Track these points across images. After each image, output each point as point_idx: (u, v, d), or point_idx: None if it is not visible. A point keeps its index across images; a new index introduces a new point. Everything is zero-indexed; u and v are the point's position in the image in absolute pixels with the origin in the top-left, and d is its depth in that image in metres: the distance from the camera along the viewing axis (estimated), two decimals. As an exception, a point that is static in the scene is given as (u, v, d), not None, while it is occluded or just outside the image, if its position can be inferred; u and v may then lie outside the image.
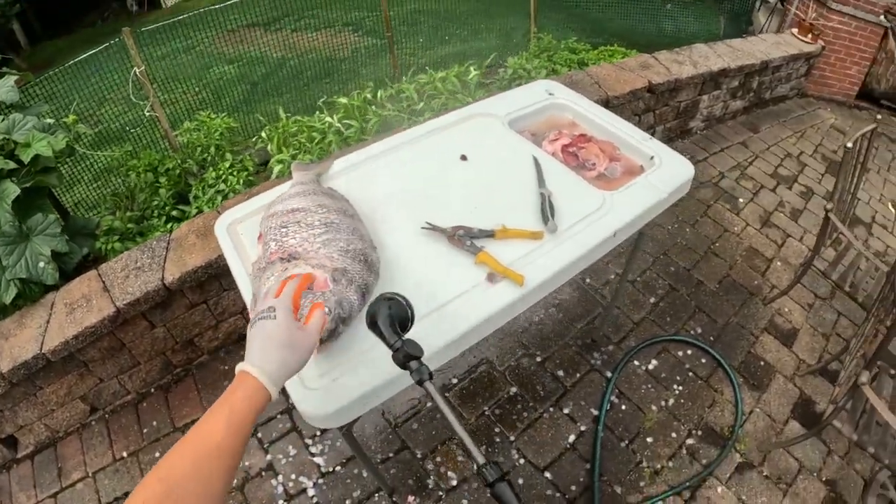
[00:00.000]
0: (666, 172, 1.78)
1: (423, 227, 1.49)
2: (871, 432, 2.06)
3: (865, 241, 3.77)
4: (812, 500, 2.30)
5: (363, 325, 1.22)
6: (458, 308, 1.31)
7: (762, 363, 2.79)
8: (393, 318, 0.99)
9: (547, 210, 1.53)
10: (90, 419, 2.50)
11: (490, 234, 1.47)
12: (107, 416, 2.51)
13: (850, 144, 2.53)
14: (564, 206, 1.60)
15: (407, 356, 0.93)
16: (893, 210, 4.24)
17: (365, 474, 2.25)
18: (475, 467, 0.92)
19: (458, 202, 1.62)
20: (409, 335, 0.97)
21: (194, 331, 2.56)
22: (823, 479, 2.37)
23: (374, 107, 3.67)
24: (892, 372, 2.31)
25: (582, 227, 1.54)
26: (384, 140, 1.88)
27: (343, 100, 3.71)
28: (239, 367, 0.81)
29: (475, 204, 1.61)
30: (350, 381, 1.17)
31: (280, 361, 0.81)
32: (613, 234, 1.54)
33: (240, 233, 1.57)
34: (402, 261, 1.42)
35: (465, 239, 1.43)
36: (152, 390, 2.58)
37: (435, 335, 1.25)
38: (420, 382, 0.92)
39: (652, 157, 1.85)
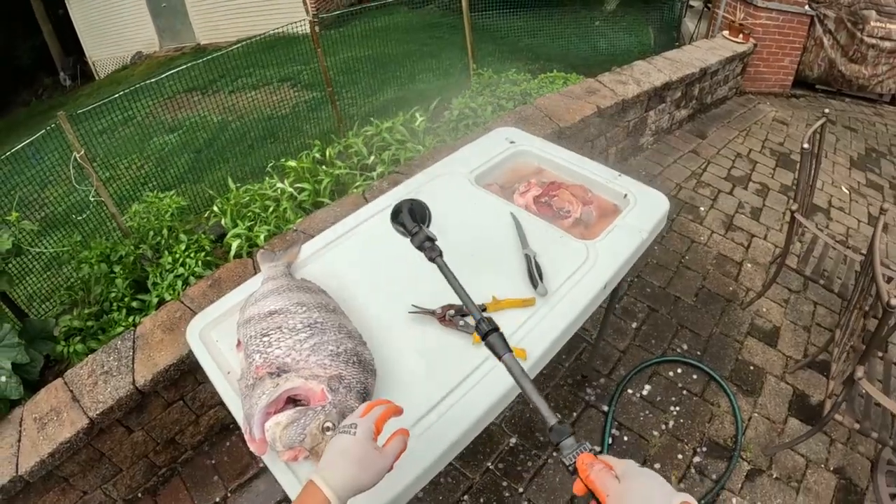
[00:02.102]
0: (642, 210, 1.77)
1: (410, 312, 1.42)
2: (872, 418, 2.10)
3: (826, 226, 3.87)
4: (824, 491, 2.33)
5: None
6: (465, 395, 1.25)
7: (752, 368, 2.82)
8: (413, 212, 1.32)
9: (535, 273, 1.49)
10: (76, 536, 2.34)
11: (483, 309, 1.41)
12: (93, 530, 2.36)
13: (806, 145, 2.59)
14: (549, 263, 1.56)
15: (425, 238, 1.24)
16: (847, 192, 4.35)
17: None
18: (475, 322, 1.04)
19: (440, 277, 1.56)
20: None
21: (174, 429, 2.43)
22: (831, 468, 2.41)
23: (324, 166, 3.61)
24: (879, 354, 2.37)
25: (571, 285, 1.50)
26: (348, 218, 1.81)
27: (292, 163, 3.63)
28: (309, 475, 0.84)
29: (459, 275, 1.55)
30: (364, 499, 1.09)
31: (349, 477, 0.84)
32: (604, 286, 1.50)
33: (214, 339, 1.48)
34: (394, 353, 1.35)
35: (456, 318, 1.37)
36: (139, 495, 2.43)
37: (444, 429, 1.19)
38: (432, 259, 1.21)
39: (625, 196, 1.84)
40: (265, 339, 1.24)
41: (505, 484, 2.34)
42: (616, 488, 0.77)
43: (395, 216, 1.32)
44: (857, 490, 2.34)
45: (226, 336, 1.46)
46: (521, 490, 2.32)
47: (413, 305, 1.43)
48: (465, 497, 2.30)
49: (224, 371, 1.37)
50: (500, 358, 0.97)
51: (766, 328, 3.03)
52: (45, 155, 4.35)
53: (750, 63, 5.65)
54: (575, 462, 0.82)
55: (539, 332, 1.38)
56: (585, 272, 1.53)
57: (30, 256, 3.68)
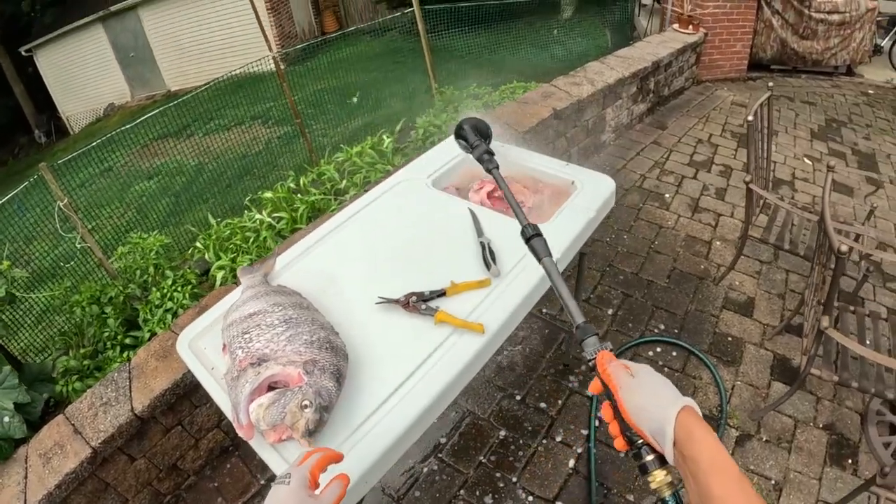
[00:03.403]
0: (589, 192, 1.89)
1: (376, 302, 1.54)
2: (850, 368, 2.18)
3: (792, 198, 3.99)
4: (816, 448, 2.39)
5: (348, 409, 1.27)
6: (429, 370, 1.36)
7: (730, 339, 2.91)
8: (477, 128, 1.48)
9: (488, 257, 1.61)
10: (88, 570, 2.40)
11: (442, 293, 1.53)
12: (104, 563, 2.42)
13: (750, 118, 2.71)
14: (504, 249, 1.69)
15: (484, 151, 1.42)
16: (810, 163, 4.51)
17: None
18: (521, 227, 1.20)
19: (402, 269, 1.68)
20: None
21: (175, 454, 2.50)
22: (820, 425, 2.48)
23: (299, 195, 3.73)
24: (852, 309, 2.46)
25: (524, 265, 1.62)
26: (318, 228, 1.93)
27: (268, 194, 3.75)
28: None
29: (420, 267, 1.67)
30: (349, 465, 1.18)
31: None
32: (555, 262, 1.62)
33: (202, 348, 1.58)
34: (364, 339, 1.46)
35: (419, 304, 1.49)
36: (145, 525, 2.50)
37: (415, 399, 1.30)
38: (489, 170, 1.40)
39: (573, 182, 1.96)
40: (246, 336, 1.35)
41: (498, 475, 2.41)
42: (629, 382, 0.84)
43: (459, 131, 1.48)
44: (850, 444, 2.40)
45: (212, 343, 1.56)
46: (514, 479, 2.39)
47: (379, 297, 1.54)
48: (461, 492, 2.37)
49: (211, 373, 1.48)
50: (539, 259, 1.11)
51: (740, 300, 3.14)
52: (28, 210, 4.44)
53: (703, 52, 5.83)
54: (595, 358, 0.89)
55: (495, 309, 1.50)
56: (537, 252, 1.65)
57: (22, 310, 3.76)
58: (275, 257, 1.81)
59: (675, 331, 2.97)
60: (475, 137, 1.45)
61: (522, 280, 1.57)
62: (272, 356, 1.29)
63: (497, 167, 1.38)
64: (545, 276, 1.58)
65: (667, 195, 4.04)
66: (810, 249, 2.79)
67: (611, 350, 0.90)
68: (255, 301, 1.48)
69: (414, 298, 1.51)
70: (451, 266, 1.65)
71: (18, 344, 3.63)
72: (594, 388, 0.89)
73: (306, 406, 1.18)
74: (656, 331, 2.98)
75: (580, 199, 1.86)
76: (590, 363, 0.90)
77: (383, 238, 1.85)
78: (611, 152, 4.64)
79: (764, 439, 2.45)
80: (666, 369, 2.78)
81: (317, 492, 0.85)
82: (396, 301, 1.52)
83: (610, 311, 3.11)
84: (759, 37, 6.05)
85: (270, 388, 1.27)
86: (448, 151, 2.25)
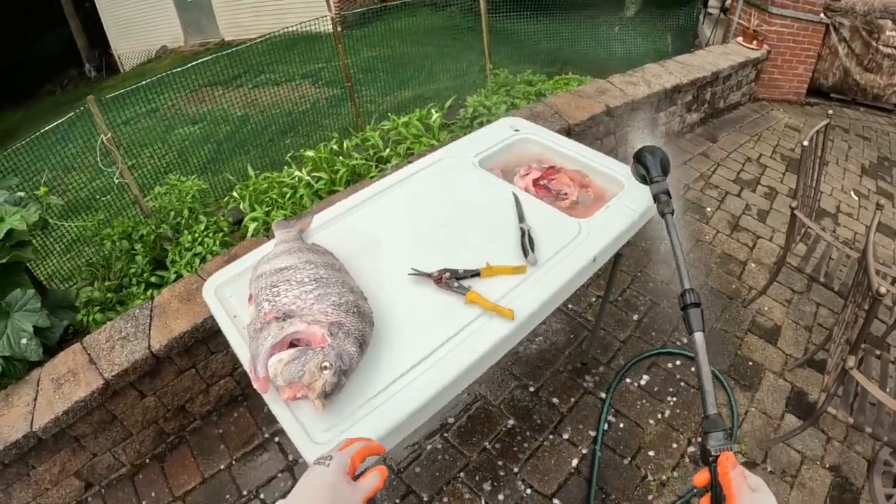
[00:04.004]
0: (636, 194, 1.84)
1: (409, 274, 1.52)
2: (866, 413, 2.12)
3: (833, 230, 3.89)
4: (819, 488, 2.34)
5: (366, 377, 1.25)
6: (454, 349, 1.34)
7: (750, 363, 2.85)
8: (662, 162, 1.32)
9: (527, 244, 1.58)
10: (86, 495, 2.43)
11: (476, 274, 1.50)
12: (103, 490, 2.45)
13: (806, 143, 2.64)
14: (543, 238, 1.65)
15: (662, 190, 1.24)
16: (856, 198, 4.38)
17: (374, 523, 2.24)
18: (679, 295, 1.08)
19: (439, 245, 1.66)
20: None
21: (185, 396, 2.53)
22: (827, 465, 2.42)
23: (341, 157, 3.72)
24: (878, 353, 2.38)
25: (562, 257, 1.59)
26: (360, 192, 1.91)
27: (310, 153, 3.75)
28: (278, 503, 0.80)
29: (457, 245, 1.65)
30: (358, 433, 1.18)
31: None
32: (593, 259, 1.59)
33: (228, 295, 1.58)
34: (393, 309, 1.45)
35: (452, 281, 1.47)
36: (147, 461, 2.53)
37: (435, 377, 1.28)
38: (663, 214, 1.21)
39: (621, 181, 1.92)
40: (274, 289, 1.34)
41: (501, 463, 2.41)
42: (748, 496, 0.79)
43: (639, 157, 1.34)
44: (853, 489, 2.35)
45: (238, 292, 1.56)
46: (515, 470, 2.38)
47: (412, 268, 1.53)
48: (461, 474, 2.37)
49: (234, 321, 1.47)
50: (691, 333, 1.01)
51: (767, 326, 3.07)
52: (70, 141, 4.49)
53: (764, 69, 5.68)
54: (719, 455, 0.83)
55: (527, 297, 1.47)
56: (576, 246, 1.62)
57: (52, 238, 3.82)
58: (312, 215, 1.80)
59: (698, 347, 2.92)
60: (657, 171, 1.28)
61: (558, 272, 1.54)
62: (298, 313, 1.28)
63: (672, 213, 1.21)
64: (582, 270, 1.57)
65: (708, 209, 3.96)
66: (845, 286, 2.72)
67: (736, 452, 0.85)
68: (287, 256, 1.47)
69: (447, 275, 1.48)
70: (488, 248, 1.63)
71: (45, 270, 3.69)
72: (701, 480, 0.85)
73: (326, 367, 1.16)
74: (678, 343, 2.94)
75: (626, 200, 1.82)
76: (710, 458, 0.85)
77: (423, 211, 1.82)
78: (657, 157, 4.53)
79: (769, 470, 2.40)
80: (682, 383, 2.74)
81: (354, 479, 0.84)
82: (429, 275, 1.50)
83: (635, 317, 3.08)
84: (822, 62, 5.89)
85: (292, 344, 1.26)
86: (498, 133, 2.22)
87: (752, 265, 3.50)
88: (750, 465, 2.41)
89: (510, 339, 1.40)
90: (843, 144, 5.25)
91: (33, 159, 4.02)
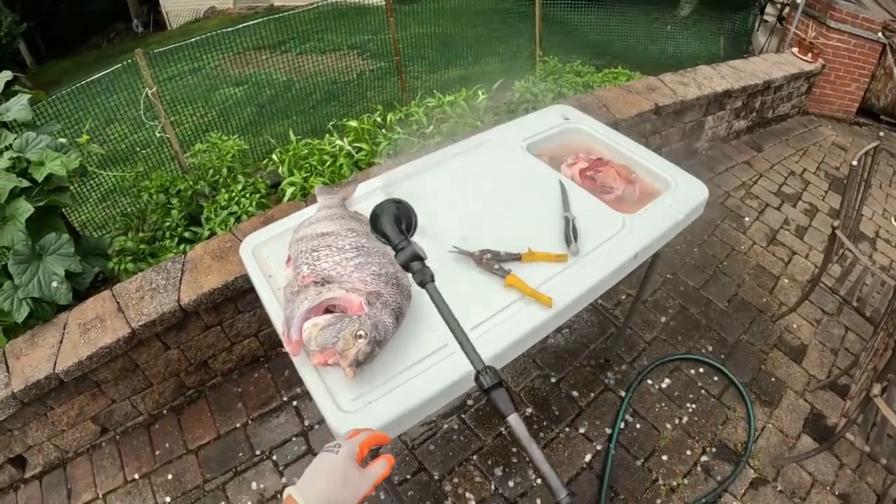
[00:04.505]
0: (681, 195, 1.81)
1: (450, 251, 1.51)
2: (883, 444, 2.07)
3: (870, 256, 3.80)
4: None
5: (399, 350, 1.25)
6: (489, 331, 1.33)
7: (773, 379, 2.81)
8: (399, 219, 1.02)
9: (570, 233, 1.56)
10: (101, 440, 2.49)
11: (517, 258, 1.49)
12: (118, 437, 2.51)
13: (854, 163, 2.57)
14: (586, 229, 1.64)
15: (412, 256, 0.96)
16: None
17: (382, 496, 2.25)
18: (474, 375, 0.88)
19: (483, 225, 1.65)
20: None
21: (208, 353, 2.57)
22: (836, 492, 2.38)
23: (383, 130, 3.71)
24: None
25: (604, 250, 1.57)
26: (405, 165, 1.91)
27: (353, 123, 3.74)
28: (287, 490, 0.82)
29: (500, 227, 1.63)
30: (384, 405, 1.19)
31: (327, 493, 0.81)
32: (634, 255, 1.57)
33: (265, 256, 1.59)
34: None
35: (492, 262, 1.46)
36: (164, 412, 2.58)
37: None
38: (422, 284, 0.95)
39: (667, 180, 1.88)
40: (314, 253, 1.34)
41: (514, 450, 2.41)
42: None
43: (375, 222, 1.03)
44: None
45: (275, 253, 1.57)
46: (528, 458, 2.38)
47: (454, 246, 1.51)
48: (475, 457, 2.38)
49: (266, 275, 1.48)
50: (504, 417, 0.85)
51: (793, 344, 3.02)
52: (114, 92, 4.53)
53: (816, 84, 5.54)
54: None
55: (567, 286, 1.45)
56: (619, 240, 1.60)
57: (89, 186, 3.87)
58: (356, 184, 1.80)
59: (722, 356, 2.89)
60: (399, 234, 1.01)
61: (599, 265, 1.52)
62: (337, 279, 1.28)
63: (433, 279, 0.97)
64: (624, 265, 1.55)
65: (746, 219, 3.89)
66: (877, 312, 2.65)
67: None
68: (329, 222, 1.47)
69: (488, 256, 1.47)
70: (531, 233, 1.62)
71: (80, 217, 3.75)
72: None
73: (361, 336, 1.16)
74: (703, 351, 2.91)
75: (670, 200, 1.79)
76: None
77: (468, 189, 1.82)
78: (701, 161, 4.48)
79: (778, 489, 2.37)
80: (703, 391, 2.71)
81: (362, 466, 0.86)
82: (470, 254, 1.49)
83: (663, 319, 3.05)
84: (875, 82, 5.71)
85: (328, 310, 1.26)
86: (548, 119, 2.20)
87: (786, 281, 3.43)
88: (761, 482, 2.38)
89: (545, 327, 1.39)
90: (889, 169, 5.10)
91: (76, 108, 4.07)
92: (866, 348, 2.39)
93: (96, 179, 3.92)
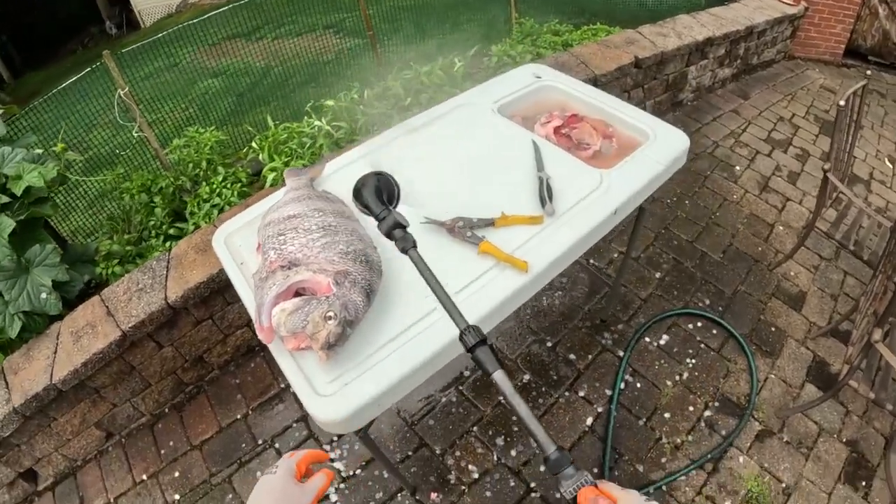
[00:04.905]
0: (661, 145, 1.77)
1: (422, 222, 1.47)
2: (888, 389, 2.05)
3: (865, 198, 3.75)
4: (834, 461, 2.30)
5: (374, 327, 1.22)
6: (464, 301, 1.30)
7: (773, 329, 2.79)
8: (380, 190, 1.07)
9: (544, 194, 1.52)
10: (107, 445, 2.49)
11: (490, 223, 1.45)
12: (123, 440, 2.51)
13: (842, 103, 2.52)
14: (563, 188, 1.59)
15: (394, 224, 1.01)
16: (891, 165, 4.22)
17: (386, 475, 2.25)
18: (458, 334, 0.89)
19: (454, 193, 1.61)
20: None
21: (202, 347, 2.55)
22: (844, 440, 2.37)
23: (362, 107, 3.65)
24: None
25: (582, 208, 1.53)
26: (374, 138, 1.86)
27: (330, 102, 3.69)
28: None
29: (472, 193, 1.59)
30: (360, 386, 1.16)
31: None
32: (614, 211, 1.53)
33: (238, 244, 1.56)
34: (403, 258, 1.40)
35: (465, 230, 1.42)
36: (166, 410, 2.58)
37: (443, 330, 1.25)
38: (404, 250, 0.99)
39: (646, 132, 1.84)
40: (281, 237, 1.31)
41: (514, 419, 2.39)
42: None
43: (358, 194, 1.10)
44: (868, 466, 2.29)
45: (248, 241, 1.54)
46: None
47: (425, 216, 1.48)
48: (475, 428, 2.37)
49: (242, 270, 1.45)
50: (489, 375, 0.86)
51: (792, 292, 2.99)
52: (91, 98, 4.46)
53: (800, 27, 5.44)
54: (576, 496, 0.78)
55: (543, 249, 1.42)
56: (597, 197, 1.56)
57: (76, 194, 3.83)
58: (324, 163, 1.76)
59: (720, 309, 2.86)
60: (380, 204, 1.06)
61: (577, 225, 1.48)
62: (304, 261, 1.25)
63: (415, 246, 1.02)
64: (602, 223, 1.51)
65: (737, 167, 3.84)
66: (875, 255, 2.61)
67: (592, 483, 0.78)
68: (296, 204, 1.43)
69: (461, 224, 1.44)
70: (505, 197, 1.58)
71: (69, 226, 3.72)
72: None
73: (330, 318, 1.13)
74: (701, 304, 2.88)
75: (650, 151, 1.74)
76: (570, 502, 0.78)
77: (439, 158, 1.77)
78: (687, 112, 4.41)
79: (785, 440, 2.36)
80: (702, 345, 2.69)
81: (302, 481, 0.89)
82: (442, 223, 1.45)
83: (657, 275, 3.01)
84: (860, 23, 5.59)
85: (297, 293, 1.23)
86: (520, 79, 2.15)
87: (780, 228, 3.39)
88: (767, 433, 2.37)
89: (524, 293, 1.36)
90: (880, 110, 5.02)
91: (53, 118, 4.01)
92: (865, 292, 2.36)
93: (81, 188, 3.88)
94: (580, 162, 1.70)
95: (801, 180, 3.81)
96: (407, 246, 0.97)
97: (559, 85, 2.11)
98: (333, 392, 1.15)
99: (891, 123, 4.83)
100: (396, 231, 0.99)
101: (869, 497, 2.21)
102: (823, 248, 3.24)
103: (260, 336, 1.20)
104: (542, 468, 2.24)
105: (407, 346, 1.22)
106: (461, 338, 0.88)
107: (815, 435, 2.38)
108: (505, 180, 1.65)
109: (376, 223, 1.02)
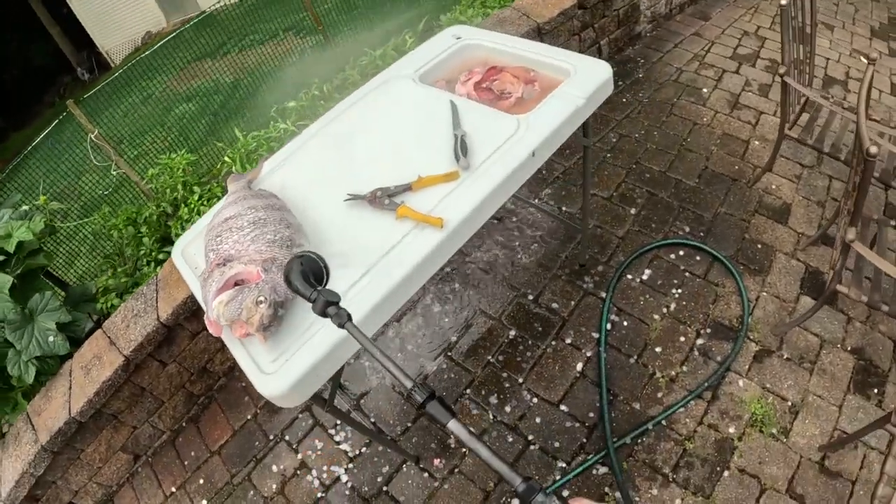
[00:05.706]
0: (581, 80, 1.79)
1: (345, 200, 1.54)
2: (882, 290, 2.01)
3: (844, 98, 3.68)
4: (841, 372, 2.26)
5: (302, 306, 1.29)
6: (388, 263, 1.37)
7: (759, 246, 2.75)
8: (306, 273, 1.06)
9: (458, 150, 1.56)
10: (136, 467, 2.63)
11: (408, 188, 1.51)
12: (150, 459, 2.63)
13: (783, 2, 2.47)
14: (479, 140, 1.63)
15: (325, 304, 1.00)
16: (866, 61, 4.14)
17: (389, 450, 2.33)
18: (406, 392, 0.90)
19: (376, 166, 1.67)
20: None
21: (203, 358, 2.65)
22: (848, 348, 2.32)
23: (323, 101, 3.70)
24: (893, 223, 2.26)
25: (497, 157, 1.57)
26: (304, 132, 1.92)
27: (292, 103, 3.74)
28: None
29: (393, 164, 1.65)
30: (298, 359, 1.24)
31: None
32: (532, 153, 1.56)
33: (192, 253, 1.64)
34: (331, 234, 1.48)
35: (383, 199, 1.48)
36: (183, 424, 2.69)
37: (373, 292, 1.32)
38: (341, 325, 0.98)
39: (567, 69, 1.86)
40: (218, 238, 1.41)
41: (505, 375, 2.45)
42: None
43: (287, 281, 1.08)
44: (878, 372, 2.24)
45: (199, 249, 1.61)
46: (520, 380, 2.42)
47: (348, 194, 1.54)
48: (468, 390, 2.43)
49: (193, 268, 1.53)
50: (444, 426, 0.86)
51: (775, 205, 2.94)
52: (72, 147, 4.57)
53: (756, -65, 5.30)
54: None
55: (459, 203, 1.47)
56: (513, 143, 1.60)
57: (77, 241, 3.97)
58: (262, 163, 1.83)
59: (701, 234, 2.84)
60: (308, 287, 1.04)
61: (493, 174, 1.53)
62: (237, 256, 1.33)
63: (349, 319, 1.00)
64: (520, 167, 1.55)
65: (704, 90, 3.80)
66: (852, 154, 2.57)
67: (562, 501, 0.76)
68: (233, 206, 1.52)
69: (379, 193, 1.50)
70: (423, 160, 1.63)
71: (75, 272, 3.86)
72: None
73: (261, 301, 1.21)
74: (681, 233, 2.86)
75: (570, 87, 1.76)
76: None
77: (362, 135, 1.82)
78: (646, 44, 4.34)
79: (785, 357, 2.33)
80: (687, 273, 2.68)
81: None
82: (363, 197, 1.51)
83: (633, 211, 3.01)
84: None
85: (236, 284, 1.30)
86: (440, 44, 2.17)
87: (756, 143, 3.35)
88: (765, 353, 2.36)
89: (444, 248, 1.41)
90: (850, 7, 4.89)
91: (43, 172, 4.14)
92: (845, 193, 2.30)
93: (81, 233, 4.01)
94: (499, 112, 1.73)
95: (773, 91, 3.75)
96: (342, 321, 0.98)
97: (480, 41, 2.13)
98: (276, 370, 1.24)
99: (861, 20, 4.72)
100: (330, 309, 1.00)
101: (883, 404, 2.16)
102: (804, 157, 3.19)
103: (210, 330, 1.30)
104: (538, 420, 2.31)
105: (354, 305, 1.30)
106: (408, 396, 0.91)
107: (816, 348, 2.34)
108: (422, 144, 1.70)
109: (311, 305, 1.03)
